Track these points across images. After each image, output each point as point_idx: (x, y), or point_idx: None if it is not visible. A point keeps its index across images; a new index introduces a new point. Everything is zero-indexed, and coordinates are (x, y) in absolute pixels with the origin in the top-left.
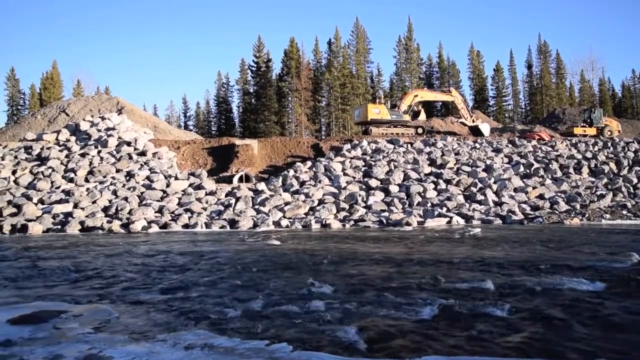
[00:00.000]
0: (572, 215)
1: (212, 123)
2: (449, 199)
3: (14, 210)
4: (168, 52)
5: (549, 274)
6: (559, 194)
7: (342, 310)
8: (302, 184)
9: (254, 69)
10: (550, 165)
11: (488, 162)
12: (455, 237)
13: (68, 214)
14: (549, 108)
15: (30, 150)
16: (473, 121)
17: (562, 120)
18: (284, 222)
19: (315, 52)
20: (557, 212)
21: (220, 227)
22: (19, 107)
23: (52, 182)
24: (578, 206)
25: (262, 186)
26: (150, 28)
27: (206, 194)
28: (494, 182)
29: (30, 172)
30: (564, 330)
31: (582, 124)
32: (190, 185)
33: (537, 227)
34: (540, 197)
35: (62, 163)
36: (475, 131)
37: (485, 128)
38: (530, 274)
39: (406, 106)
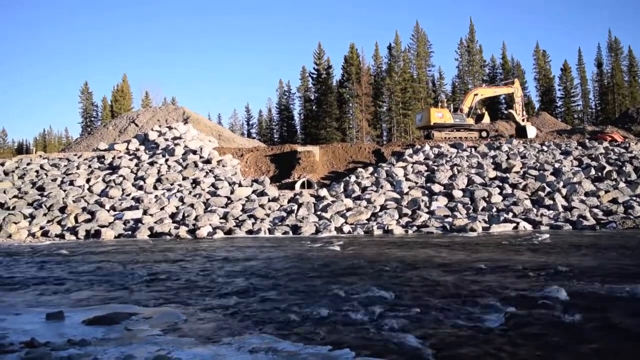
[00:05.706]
0: None
1: (274, 130)
2: (515, 204)
3: (88, 216)
4: (231, 62)
5: (623, 283)
6: (634, 198)
7: (405, 317)
8: (363, 189)
9: (314, 76)
10: (624, 168)
11: (556, 165)
12: (523, 243)
13: (138, 220)
14: (622, 108)
15: (102, 160)
16: (523, 120)
17: (636, 120)
18: (346, 228)
19: (375, 57)
20: (632, 217)
21: (283, 233)
22: (92, 119)
23: (122, 190)
24: None
25: (324, 192)
26: (214, 40)
27: (269, 201)
28: (563, 186)
29: (103, 180)
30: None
31: None
32: (253, 192)
33: (610, 233)
34: (614, 201)
35: (132, 171)
36: (521, 131)
37: (531, 131)
38: (603, 282)
39: (467, 108)
